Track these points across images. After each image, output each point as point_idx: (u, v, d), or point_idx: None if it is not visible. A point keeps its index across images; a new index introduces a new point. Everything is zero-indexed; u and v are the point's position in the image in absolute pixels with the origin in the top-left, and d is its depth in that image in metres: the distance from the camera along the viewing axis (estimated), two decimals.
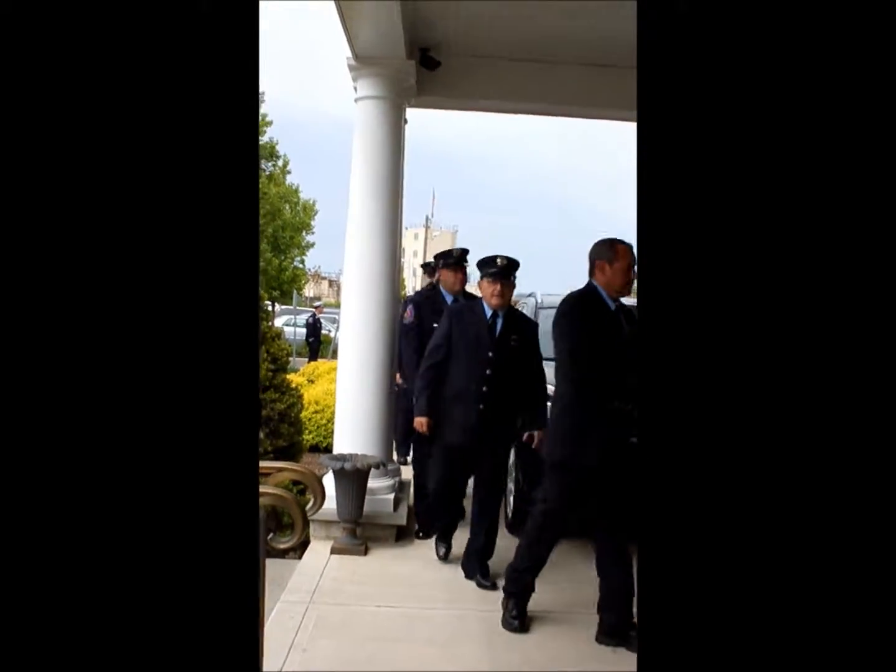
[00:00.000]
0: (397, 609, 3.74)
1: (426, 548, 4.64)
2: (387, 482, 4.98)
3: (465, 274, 5.26)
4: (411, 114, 5.65)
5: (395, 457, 5.76)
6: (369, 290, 4.95)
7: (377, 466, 4.62)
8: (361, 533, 4.59)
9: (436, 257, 5.57)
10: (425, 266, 7.13)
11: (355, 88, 5.00)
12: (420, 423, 4.35)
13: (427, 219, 44.00)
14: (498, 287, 4.16)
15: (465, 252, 5.28)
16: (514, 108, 6.14)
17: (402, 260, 6.34)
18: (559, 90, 5.54)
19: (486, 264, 4.21)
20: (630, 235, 3.34)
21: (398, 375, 5.77)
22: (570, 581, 4.16)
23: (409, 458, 6.07)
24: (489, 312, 4.26)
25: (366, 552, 4.50)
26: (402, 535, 4.80)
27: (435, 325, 4.62)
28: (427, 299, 5.34)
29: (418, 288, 7.33)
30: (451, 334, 4.31)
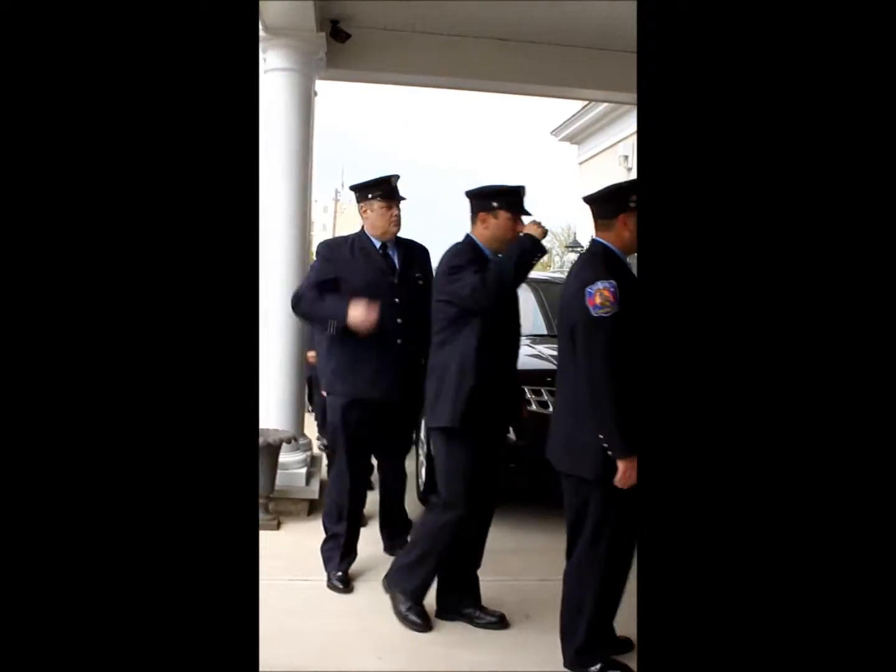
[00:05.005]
0: (311, 582, 3.75)
1: None
2: (298, 456, 4.98)
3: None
4: (326, 86, 5.57)
5: (319, 441, 5.70)
6: (278, 261, 4.89)
7: (288, 441, 4.60)
8: (274, 508, 4.57)
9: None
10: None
11: (264, 60, 4.92)
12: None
13: (336, 192, 43.38)
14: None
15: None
16: (424, 83, 6.14)
17: (311, 233, 6.28)
18: (469, 65, 5.53)
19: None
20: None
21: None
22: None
23: None
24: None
25: (278, 527, 4.49)
26: (314, 509, 4.80)
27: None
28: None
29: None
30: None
